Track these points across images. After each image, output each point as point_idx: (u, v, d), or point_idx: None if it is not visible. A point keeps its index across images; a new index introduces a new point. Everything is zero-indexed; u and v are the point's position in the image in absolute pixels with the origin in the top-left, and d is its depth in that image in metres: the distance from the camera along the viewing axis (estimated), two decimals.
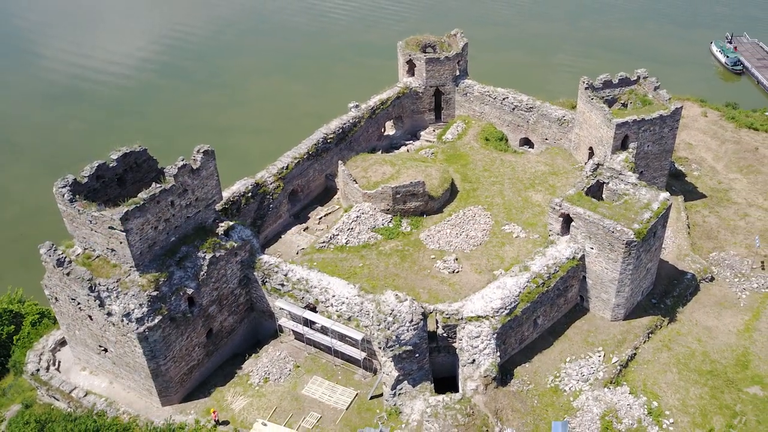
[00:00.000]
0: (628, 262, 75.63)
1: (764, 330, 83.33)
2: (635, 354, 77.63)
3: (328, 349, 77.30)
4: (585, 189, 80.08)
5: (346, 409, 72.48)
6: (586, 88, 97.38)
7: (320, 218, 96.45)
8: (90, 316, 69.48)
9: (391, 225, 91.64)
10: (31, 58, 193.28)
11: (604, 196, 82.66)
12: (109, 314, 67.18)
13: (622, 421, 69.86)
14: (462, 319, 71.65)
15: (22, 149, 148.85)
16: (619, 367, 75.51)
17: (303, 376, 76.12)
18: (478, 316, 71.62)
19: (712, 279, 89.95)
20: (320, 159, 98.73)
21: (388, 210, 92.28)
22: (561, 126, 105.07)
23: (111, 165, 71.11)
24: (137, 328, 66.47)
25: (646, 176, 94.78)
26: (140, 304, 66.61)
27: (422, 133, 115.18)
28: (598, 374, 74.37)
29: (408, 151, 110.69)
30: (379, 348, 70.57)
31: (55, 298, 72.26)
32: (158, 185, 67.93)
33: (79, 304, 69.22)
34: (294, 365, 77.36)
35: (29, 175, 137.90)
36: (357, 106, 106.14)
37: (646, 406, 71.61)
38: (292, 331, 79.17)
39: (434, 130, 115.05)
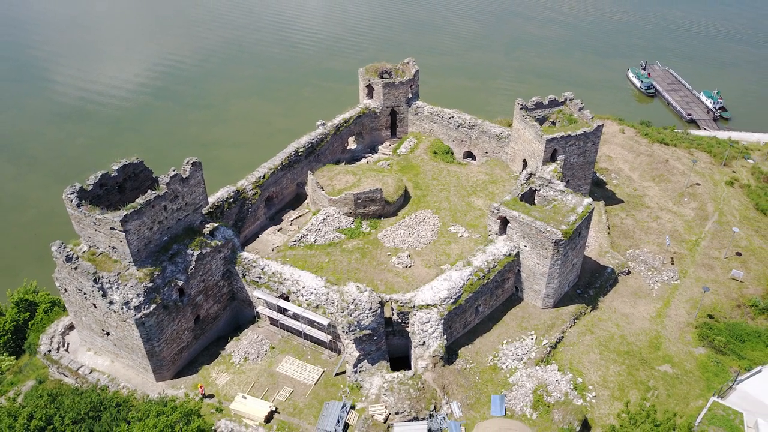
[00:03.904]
0: (556, 258, 76.84)
1: (673, 316, 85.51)
2: (563, 337, 78.86)
3: (298, 333, 78.09)
4: (519, 195, 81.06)
5: (315, 384, 73.34)
6: (520, 109, 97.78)
7: (292, 220, 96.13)
8: (94, 305, 69.69)
9: (353, 226, 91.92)
10: (43, 83, 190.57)
11: (536, 201, 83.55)
12: (111, 303, 67.55)
13: (552, 395, 70.89)
14: (414, 306, 72.55)
15: (36, 161, 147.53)
16: (549, 348, 76.64)
17: (277, 356, 76.84)
18: (428, 305, 72.53)
19: (628, 273, 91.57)
20: (292, 169, 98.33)
21: (350, 213, 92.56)
22: (499, 141, 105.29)
23: (112, 174, 71.27)
24: (135, 315, 67.01)
25: (572, 184, 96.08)
26: (137, 294, 67.01)
27: (380, 147, 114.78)
28: (531, 354, 75.49)
29: (367, 162, 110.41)
30: (343, 332, 71.36)
31: (65, 288, 72.24)
32: (153, 192, 68.25)
33: (85, 294, 69.43)
34: (269, 347, 77.97)
35: (43, 183, 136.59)
36: (324, 124, 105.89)
37: (572, 382, 72.76)
38: (268, 317, 79.67)
39: (390, 145, 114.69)
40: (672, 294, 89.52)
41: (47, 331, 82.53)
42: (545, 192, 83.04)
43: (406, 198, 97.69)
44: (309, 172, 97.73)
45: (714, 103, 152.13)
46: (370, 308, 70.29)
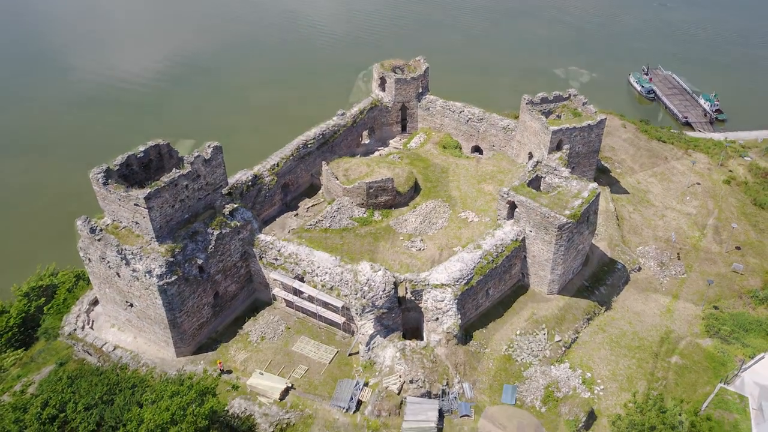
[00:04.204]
0: (560, 244, 77.73)
1: (681, 309, 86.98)
2: (577, 337, 79.46)
3: (313, 315, 79.21)
4: (527, 182, 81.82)
5: (329, 363, 74.45)
6: (527, 103, 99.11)
7: (308, 208, 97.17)
8: (118, 273, 70.98)
9: (365, 215, 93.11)
10: (64, 72, 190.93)
11: (541, 188, 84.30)
12: (134, 271, 68.95)
13: (561, 390, 71.88)
14: (428, 285, 73.37)
15: (53, 148, 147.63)
16: (564, 348, 77.26)
17: (293, 336, 78.13)
18: (442, 284, 73.32)
19: (639, 269, 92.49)
20: (307, 159, 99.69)
21: (362, 204, 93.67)
22: (506, 133, 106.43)
23: (138, 155, 72.93)
24: (158, 282, 68.20)
25: (577, 171, 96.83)
26: (160, 265, 68.34)
27: (391, 141, 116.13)
28: (545, 352, 76.16)
29: (380, 155, 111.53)
30: (357, 314, 72.46)
31: (89, 259, 73.45)
32: (177, 170, 70.06)
33: (108, 262, 70.81)
34: (285, 327, 79.23)
35: (62, 167, 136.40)
36: (343, 114, 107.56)
37: (581, 377, 73.73)
38: (284, 299, 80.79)
39: (400, 140, 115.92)
40: (680, 288, 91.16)
41: (72, 311, 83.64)
42: (551, 179, 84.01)
43: (416, 189, 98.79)
44: (323, 162, 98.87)
45: (711, 106, 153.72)
46: (384, 289, 71.04)
